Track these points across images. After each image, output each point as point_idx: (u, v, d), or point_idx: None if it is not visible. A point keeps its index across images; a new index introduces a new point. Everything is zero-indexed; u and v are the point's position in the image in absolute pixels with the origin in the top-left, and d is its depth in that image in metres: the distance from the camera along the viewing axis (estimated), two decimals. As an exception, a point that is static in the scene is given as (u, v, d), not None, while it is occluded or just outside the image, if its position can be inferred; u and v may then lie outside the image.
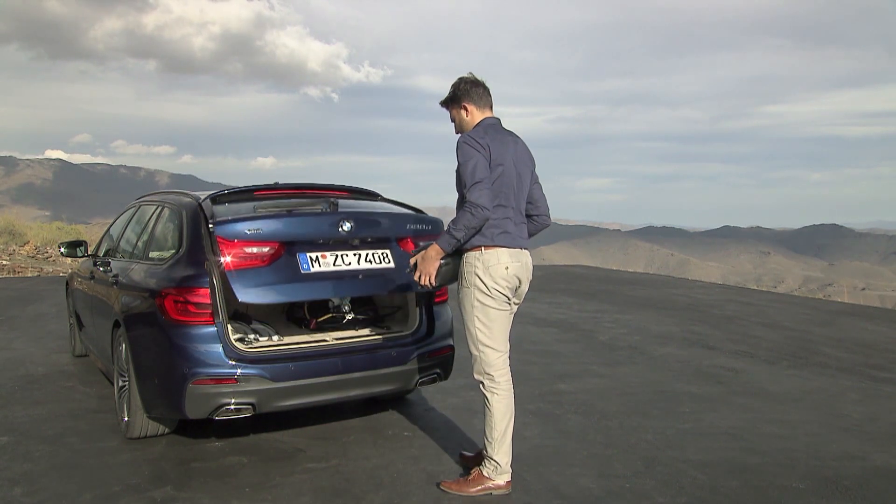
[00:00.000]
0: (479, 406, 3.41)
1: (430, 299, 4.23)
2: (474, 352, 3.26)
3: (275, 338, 4.17)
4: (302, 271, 3.76)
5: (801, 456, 3.78)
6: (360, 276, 3.92)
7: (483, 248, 3.16)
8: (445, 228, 3.13)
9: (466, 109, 3.32)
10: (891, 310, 11.95)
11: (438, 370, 4.14)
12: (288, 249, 3.77)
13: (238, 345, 3.69)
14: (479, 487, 3.25)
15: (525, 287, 3.33)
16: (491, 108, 3.35)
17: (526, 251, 3.31)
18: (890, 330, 7.85)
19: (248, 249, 3.66)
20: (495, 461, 3.24)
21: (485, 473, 3.26)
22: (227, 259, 3.61)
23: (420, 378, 4.06)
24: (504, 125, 3.34)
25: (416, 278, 3.23)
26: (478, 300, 3.20)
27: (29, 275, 14.27)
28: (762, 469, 3.61)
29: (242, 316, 4.45)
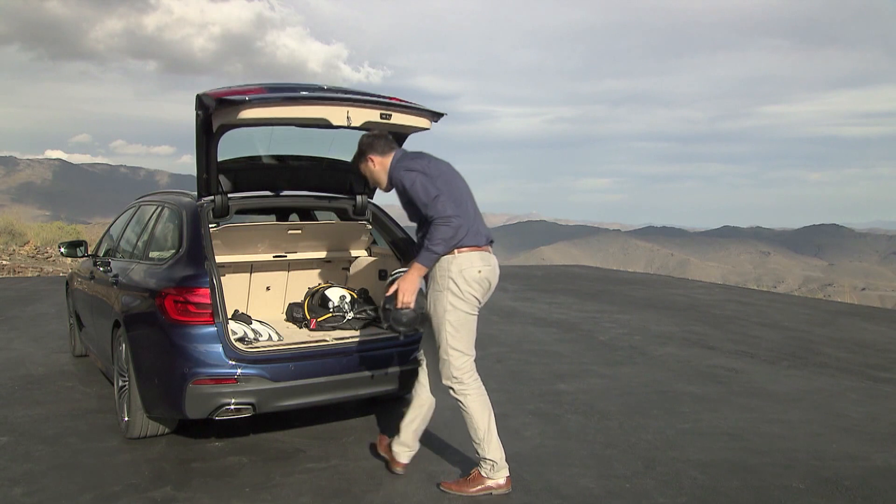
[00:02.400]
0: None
1: None
2: (443, 356, 3.25)
3: (275, 338, 4.17)
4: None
5: (801, 456, 3.78)
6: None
7: (456, 252, 3.17)
8: (423, 248, 3.10)
9: (373, 161, 3.35)
10: (891, 310, 11.95)
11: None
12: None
13: (238, 345, 3.69)
14: (479, 487, 3.25)
15: (492, 290, 3.35)
16: (392, 150, 3.38)
17: (492, 253, 3.34)
18: (890, 330, 7.85)
19: (234, 97, 3.56)
20: (489, 459, 3.24)
21: (483, 473, 3.26)
22: (217, 98, 3.51)
23: (420, 378, 4.05)
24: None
25: (393, 297, 3.18)
26: (450, 303, 3.19)
27: (29, 275, 14.28)
28: (762, 469, 3.61)
29: (242, 316, 4.45)
